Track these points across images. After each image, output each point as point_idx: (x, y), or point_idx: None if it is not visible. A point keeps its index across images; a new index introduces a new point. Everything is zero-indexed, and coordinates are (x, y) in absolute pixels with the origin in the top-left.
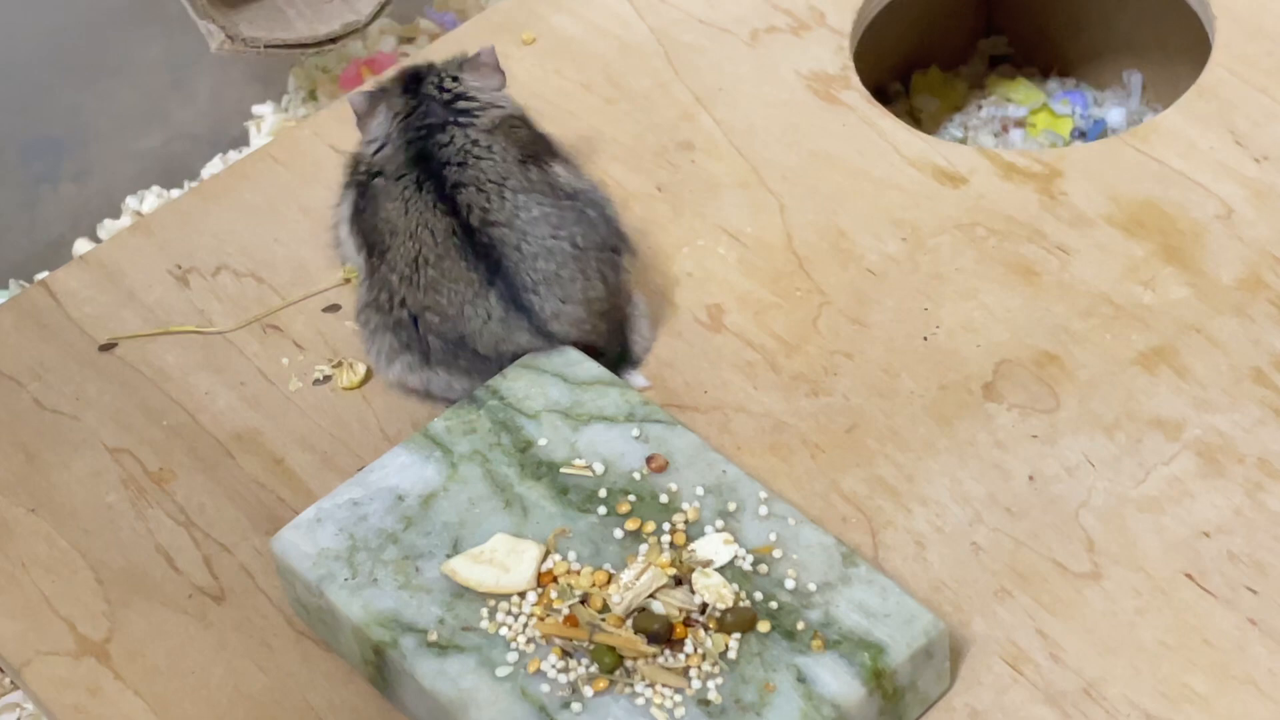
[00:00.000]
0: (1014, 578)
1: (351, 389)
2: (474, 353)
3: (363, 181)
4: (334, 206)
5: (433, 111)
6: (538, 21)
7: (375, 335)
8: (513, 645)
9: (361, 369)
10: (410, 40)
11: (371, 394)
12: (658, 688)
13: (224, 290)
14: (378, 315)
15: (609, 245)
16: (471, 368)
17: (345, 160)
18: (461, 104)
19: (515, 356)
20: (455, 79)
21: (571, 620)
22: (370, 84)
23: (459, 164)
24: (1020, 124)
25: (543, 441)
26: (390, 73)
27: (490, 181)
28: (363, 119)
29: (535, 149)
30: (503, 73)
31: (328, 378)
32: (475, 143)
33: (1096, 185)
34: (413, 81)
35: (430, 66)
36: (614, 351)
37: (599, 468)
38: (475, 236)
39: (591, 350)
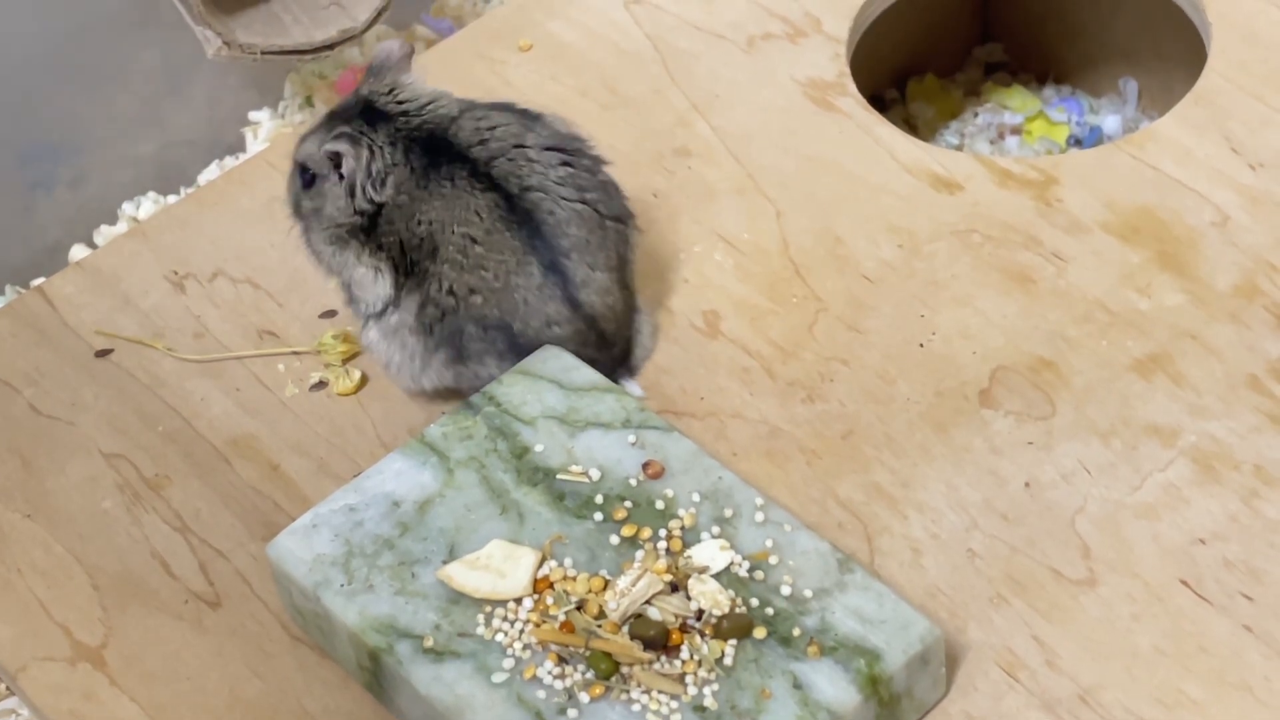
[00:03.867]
0: (1010, 584)
1: (347, 394)
2: (511, 337)
3: (363, 224)
4: (331, 261)
5: (418, 118)
6: (534, 28)
7: (404, 347)
8: (509, 651)
9: (357, 374)
10: None
11: (368, 400)
12: (654, 694)
13: (220, 296)
14: (415, 324)
15: (622, 216)
16: (505, 354)
17: (314, 229)
18: (433, 103)
19: (543, 337)
20: (398, 88)
21: (567, 626)
22: (315, 148)
23: (480, 143)
24: (1016, 131)
25: (539, 447)
26: (326, 129)
27: (514, 148)
28: (320, 181)
29: (518, 110)
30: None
31: (324, 383)
32: (480, 120)
33: (1092, 192)
34: (368, 112)
35: (369, 94)
36: (620, 344)
37: (595, 474)
38: (516, 204)
39: (600, 341)
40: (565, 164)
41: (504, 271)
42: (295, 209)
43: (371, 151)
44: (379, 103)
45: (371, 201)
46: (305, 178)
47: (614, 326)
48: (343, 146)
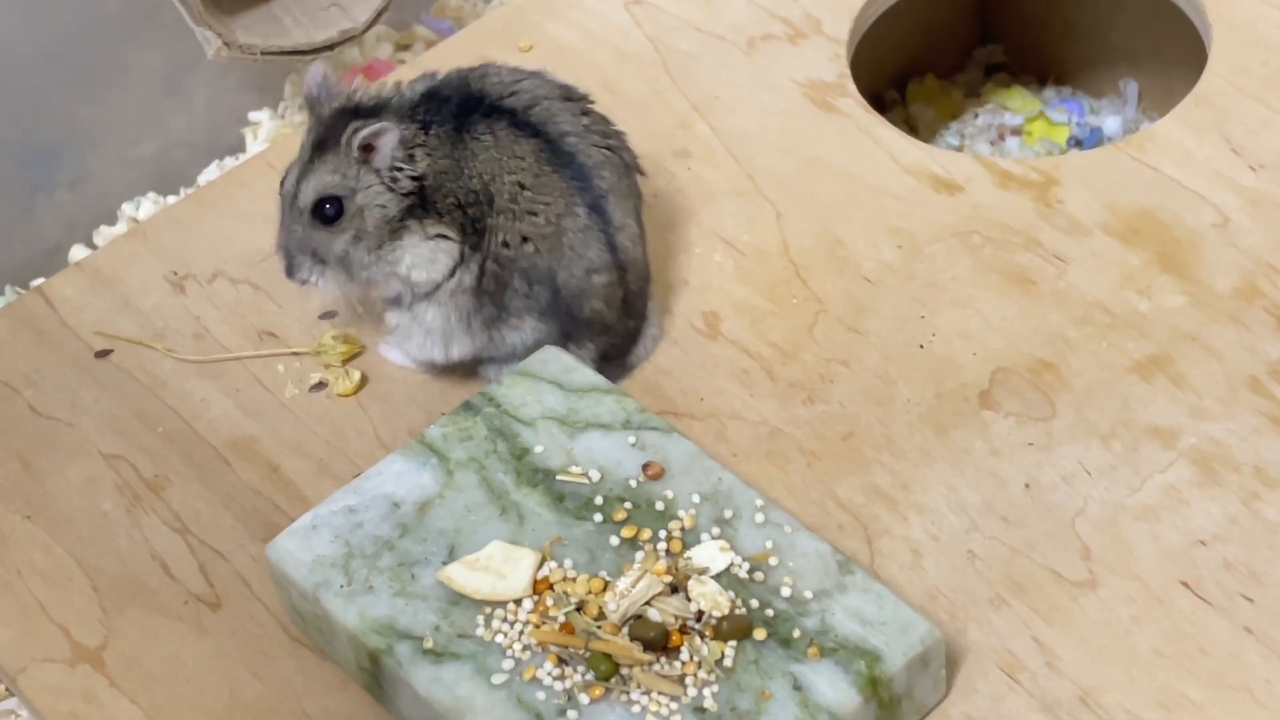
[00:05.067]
0: (1010, 586)
1: (347, 395)
2: (554, 291)
3: (416, 202)
4: (382, 263)
5: (414, 94)
6: (534, 29)
7: (456, 310)
8: (508, 652)
9: (357, 375)
10: (406, 47)
11: (368, 401)
12: (653, 695)
13: (220, 297)
14: (473, 284)
15: (638, 167)
16: (545, 313)
17: (352, 255)
18: (411, 83)
19: (584, 289)
20: (355, 91)
21: (567, 628)
22: (332, 173)
23: (511, 94)
24: (1016, 132)
25: (539, 449)
26: (319, 161)
27: (542, 99)
28: (348, 202)
29: (513, 67)
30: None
31: (323, 384)
32: (498, 75)
33: (1093, 193)
34: (355, 113)
35: (340, 106)
36: (636, 319)
37: (595, 475)
38: (558, 148)
39: (625, 305)
40: (584, 113)
41: (554, 215)
42: (317, 257)
43: (396, 129)
44: (355, 104)
45: (412, 178)
46: (330, 212)
47: (638, 287)
48: (371, 129)
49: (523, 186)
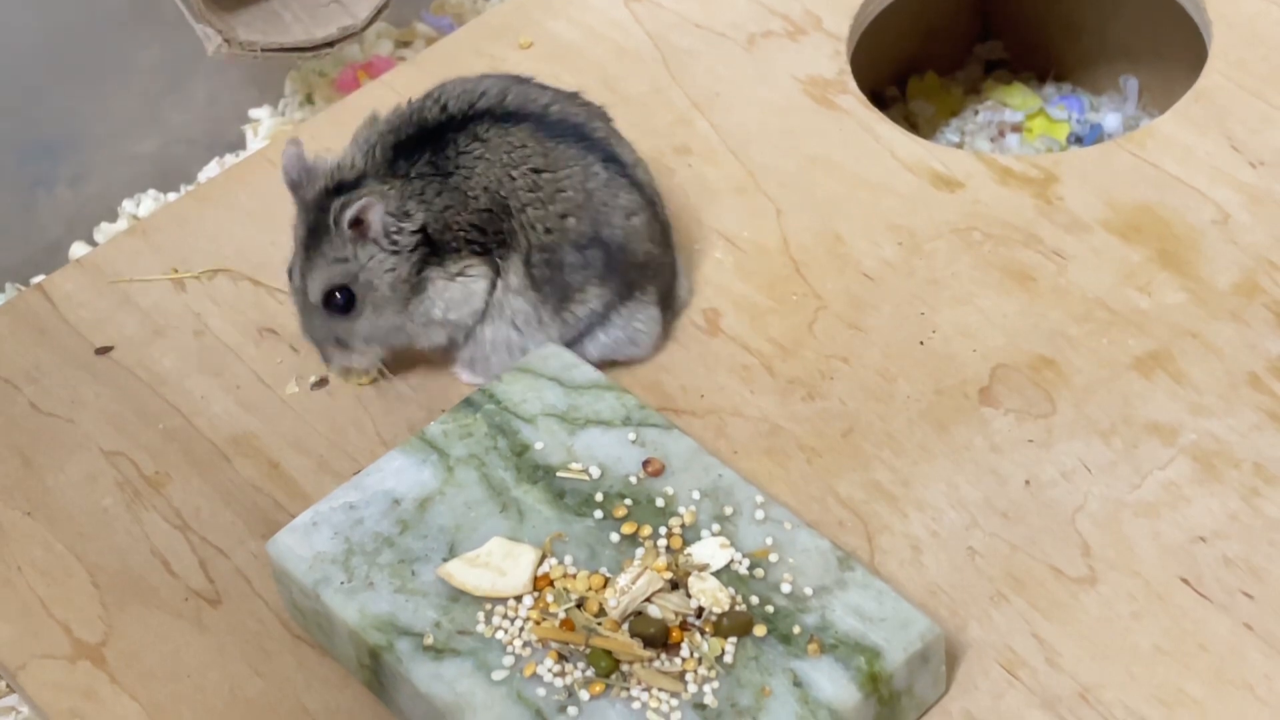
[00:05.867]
0: (1010, 582)
1: (365, 385)
2: (604, 250)
3: (427, 252)
4: (413, 318)
5: (400, 149)
6: (534, 26)
7: (518, 315)
8: (509, 649)
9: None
10: (407, 44)
11: (368, 398)
12: (654, 692)
13: (220, 294)
14: (524, 282)
15: (605, 115)
16: (604, 275)
17: (377, 327)
18: (370, 148)
19: (628, 235)
20: (339, 169)
21: (568, 624)
22: (330, 267)
23: (480, 97)
24: (1016, 129)
25: (539, 445)
26: (316, 251)
27: (508, 88)
28: (363, 288)
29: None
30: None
31: (324, 381)
32: (457, 90)
33: (1093, 190)
34: (332, 192)
35: (317, 192)
36: (671, 252)
37: (595, 471)
38: (546, 119)
39: (664, 236)
40: (542, 87)
41: (579, 182)
42: (342, 343)
43: (380, 196)
44: (337, 182)
45: (413, 233)
46: (340, 301)
47: (665, 215)
48: (356, 208)
49: (538, 170)
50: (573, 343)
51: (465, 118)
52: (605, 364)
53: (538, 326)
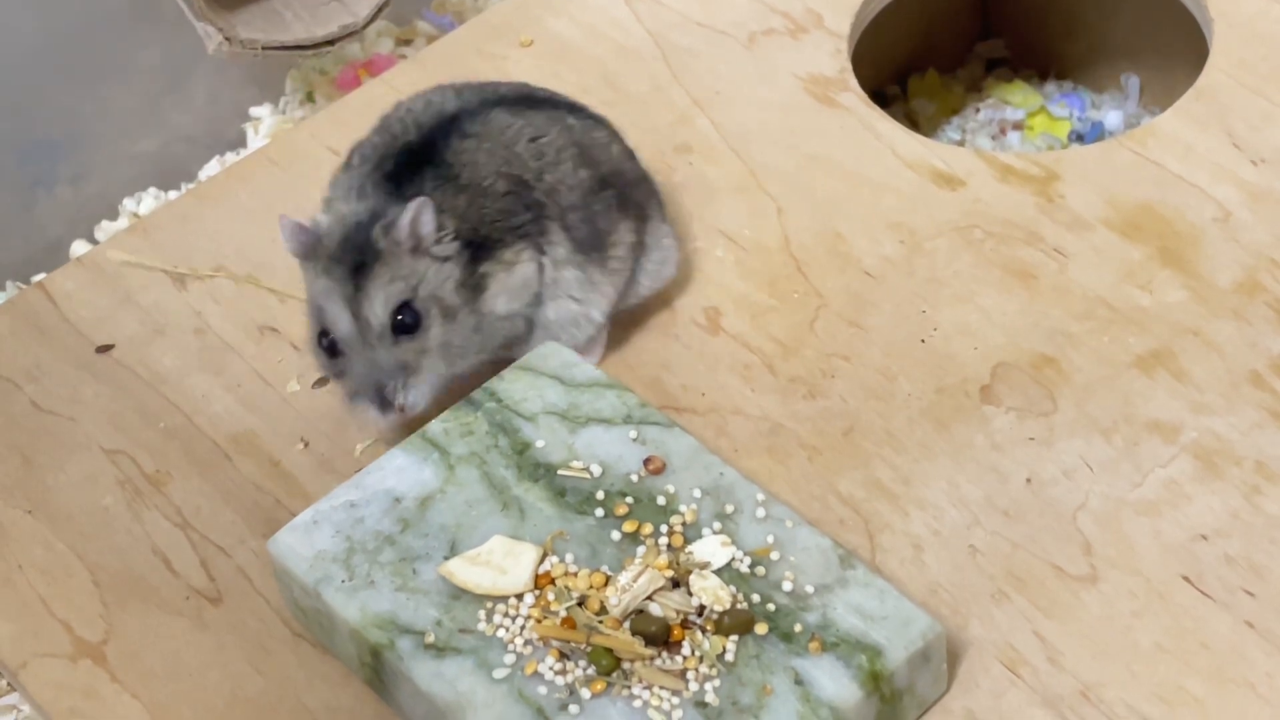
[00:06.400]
0: (1011, 581)
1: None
2: (616, 188)
3: (473, 254)
4: (485, 321)
5: (396, 177)
6: (535, 24)
7: (575, 285)
8: (510, 647)
9: None
10: (408, 42)
11: None
12: (655, 690)
13: (221, 292)
14: (569, 252)
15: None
16: (625, 211)
17: (455, 335)
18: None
19: (628, 168)
20: (347, 219)
21: (569, 622)
22: (389, 285)
23: (456, 94)
24: (1018, 127)
25: (540, 443)
26: (364, 278)
27: (463, 88)
28: (426, 301)
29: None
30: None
31: (325, 380)
32: (417, 105)
33: (1094, 188)
34: (370, 222)
35: (353, 226)
36: (646, 173)
37: (596, 470)
38: (509, 98)
39: (630, 153)
40: (476, 83)
41: (566, 137)
42: (412, 369)
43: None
44: (353, 224)
45: (452, 240)
46: (410, 319)
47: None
48: (410, 212)
49: (534, 139)
50: (624, 290)
51: (442, 125)
52: (647, 298)
53: (593, 288)
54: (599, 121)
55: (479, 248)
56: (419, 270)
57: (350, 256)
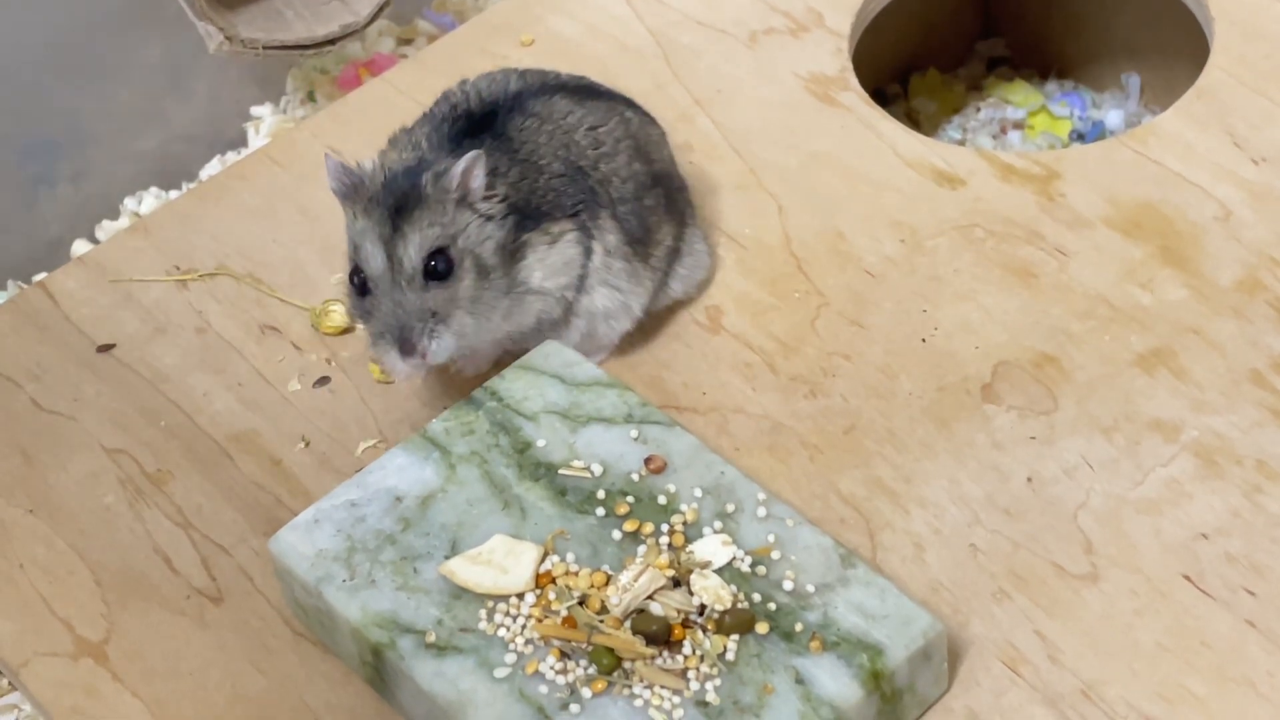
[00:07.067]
0: (1012, 579)
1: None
2: (664, 183)
3: (518, 220)
4: (515, 296)
5: (460, 133)
6: (536, 23)
7: (622, 274)
8: (511, 646)
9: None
10: (409, 41)
11: (370, 395)
12: (656, 689)
13: (222, 291)
14: (619, 241)
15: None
16: (669, 208)
17: (477, 298)
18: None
19: (669, 162)
20: (389, 165)
21: (570, 621)
22: (428, 227)
23: (518, 76)
24: (1018, 126)
25: (541, 443)
26: (404, 219)
27: (525, 71)
28: (460, 251)
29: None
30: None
31: (327, 379)
32: (489, 82)
33: (1095, 187)
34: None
35: (397, 172)
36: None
37: (597, 469)
38: (568, 85)
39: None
40: (536, 70)
41: (624, 129)
42: (440, 317)
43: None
44: (404, 165)
45: (501, 201)
46: (443, 265)
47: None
48: (464, 163)
49: (594, 128)
50: (659, 287)
51: (505, 101)
52: (677, 301)
53: (638, 282)
54: (653, 121)
55: (526, 217)
56: (460, 221)
57: (392, 199)
